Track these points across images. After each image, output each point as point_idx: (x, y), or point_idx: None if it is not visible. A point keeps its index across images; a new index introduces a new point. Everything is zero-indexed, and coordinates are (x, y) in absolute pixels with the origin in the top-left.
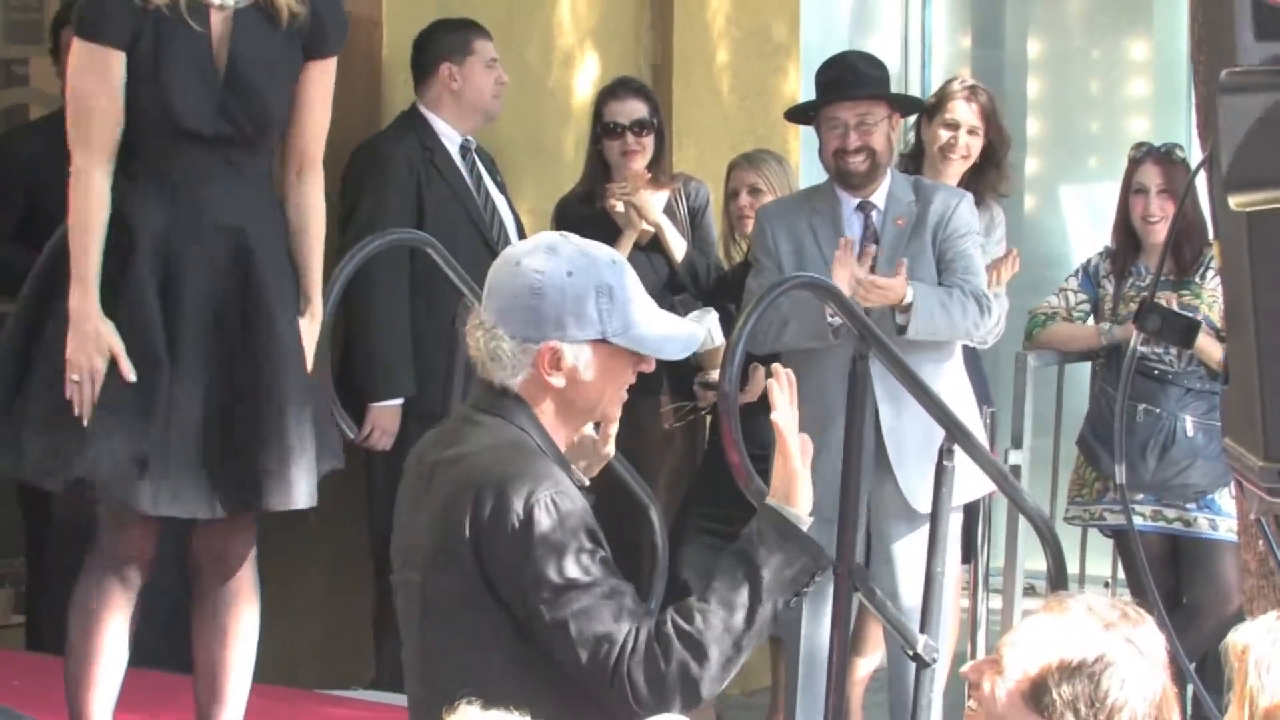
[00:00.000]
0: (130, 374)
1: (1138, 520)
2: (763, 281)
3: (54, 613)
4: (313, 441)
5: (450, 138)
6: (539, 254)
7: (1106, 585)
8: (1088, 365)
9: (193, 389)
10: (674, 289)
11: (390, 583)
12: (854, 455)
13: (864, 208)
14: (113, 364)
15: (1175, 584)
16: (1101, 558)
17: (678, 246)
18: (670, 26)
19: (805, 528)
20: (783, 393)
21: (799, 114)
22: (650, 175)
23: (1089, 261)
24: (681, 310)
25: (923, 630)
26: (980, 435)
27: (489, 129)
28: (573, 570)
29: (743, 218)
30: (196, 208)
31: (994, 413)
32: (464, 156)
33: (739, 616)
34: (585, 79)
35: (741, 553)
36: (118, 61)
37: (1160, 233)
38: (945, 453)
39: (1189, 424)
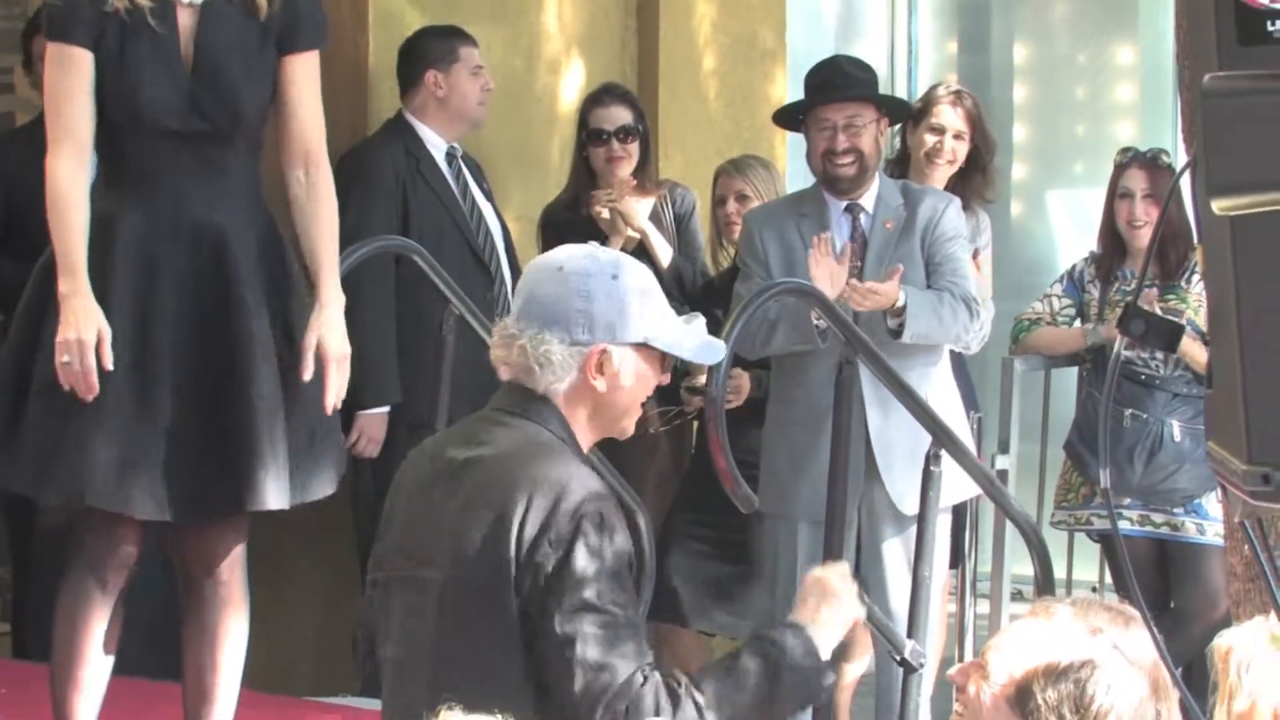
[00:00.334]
0: (109, 362)
1: (1125, 525)
2: (750, 286)
3: (39, 620)
4: (285, 442)
5: (436, 145)
6: (581, 259)
7: (1094, 590)
8: (1074, 371)
9: (172, 390)
10: None
11: (372, 581)
12: (841, 459)
13: (852, 210)
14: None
15: (1163, 588)
16: (1089, 563)
17: (663, 253)
18: (656, 33)
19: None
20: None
21: (787, 118)
22: (636, 182)
23: (1074, 267)
24: None
25: (910, 635)
26: (967, 440)
27: (475, 136)
28: (602, 591)
29: (730, 224)
30: (175, 207)
31: (981, 418)
32: (450, 164)
33: (744, 700)
34: (571, 86)
35: (766, 656)
36: (86, 60)
37: (1145, 237)
38: (932, 458)
39: (1176, 429)
